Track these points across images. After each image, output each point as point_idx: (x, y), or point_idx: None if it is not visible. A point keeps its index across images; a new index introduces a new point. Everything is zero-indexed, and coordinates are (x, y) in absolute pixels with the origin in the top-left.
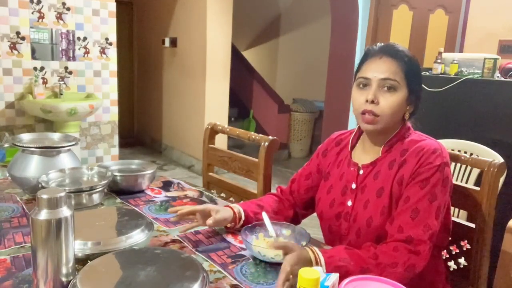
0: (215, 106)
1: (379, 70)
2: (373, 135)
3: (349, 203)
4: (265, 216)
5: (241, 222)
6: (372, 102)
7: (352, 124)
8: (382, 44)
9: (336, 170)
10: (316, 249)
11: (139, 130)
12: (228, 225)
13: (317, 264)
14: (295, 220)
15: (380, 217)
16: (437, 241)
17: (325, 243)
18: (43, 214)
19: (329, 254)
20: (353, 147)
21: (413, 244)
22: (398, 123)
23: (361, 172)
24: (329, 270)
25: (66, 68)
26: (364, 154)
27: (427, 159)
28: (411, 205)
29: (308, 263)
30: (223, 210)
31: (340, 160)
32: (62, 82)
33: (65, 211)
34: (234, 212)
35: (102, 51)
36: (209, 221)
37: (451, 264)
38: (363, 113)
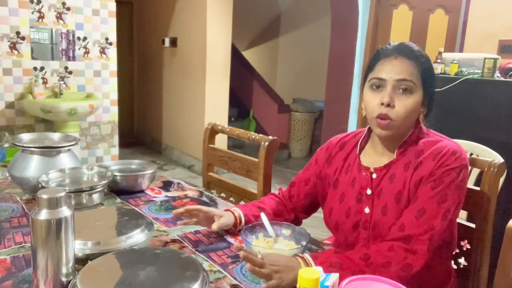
0: (215, 106)
1: (394, 70)
2: (386, 139)
3: (367, 210)
4: (263, 216)
5: (241, 226)
6: (388, 105)
7: (352, 124)
8: (396, 43)
9: (345, 176)
10: (307, 256)
11: (139, 130)
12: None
13: None
14: (296, 222)
15: None
16: (443, 243)
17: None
18: (43, 214)
19: (320, 260)
20: (361, 149)
21: (411, 243)
22: (411, 126)
23: (374, 176)
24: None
25: (66, 68)
26: (377, 157)
27: (446, 160)
28: (418, 204)
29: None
30: (225, 215)
31: (348, 165)
32: (62, 82)
33: (65, 211)
34: (235, 217)
35: (102, 51)
36: (214, 226)
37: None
38: (378, 117)
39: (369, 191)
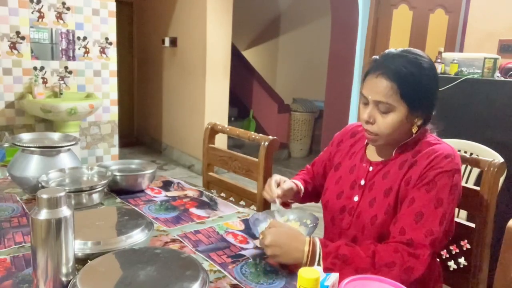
0: (215, 106)
1: (374, 90)
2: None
3: (356, 198)
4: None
5: (301, 194)
6: (369, 122)
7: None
8: (386, 54)
9: (347, 162)
10: (316, 241)
11: (139, 130)
12: (290, 200)
13: (311, 257)
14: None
15: (384, 215)
16: None
17: (324, 234)
18: (43, 214)
19: (329, 249)
20: (368, 143)
21: (413, 247)
22: (406, 134)
23: (371, 169)
24: (325, 264)
25: (66, 67)
26: (378, 152)
27: (438, 163)
28: (416, 208)
29: (295, 250)
30: (288, 180)
31: (352, 153)
32: (62, 82)
33: (65, 211)
34: (297, 185)
35: (102, 51)
36: (279, 190)
37: (451, 264)
38: (365, 130)
39: (362, 182)
